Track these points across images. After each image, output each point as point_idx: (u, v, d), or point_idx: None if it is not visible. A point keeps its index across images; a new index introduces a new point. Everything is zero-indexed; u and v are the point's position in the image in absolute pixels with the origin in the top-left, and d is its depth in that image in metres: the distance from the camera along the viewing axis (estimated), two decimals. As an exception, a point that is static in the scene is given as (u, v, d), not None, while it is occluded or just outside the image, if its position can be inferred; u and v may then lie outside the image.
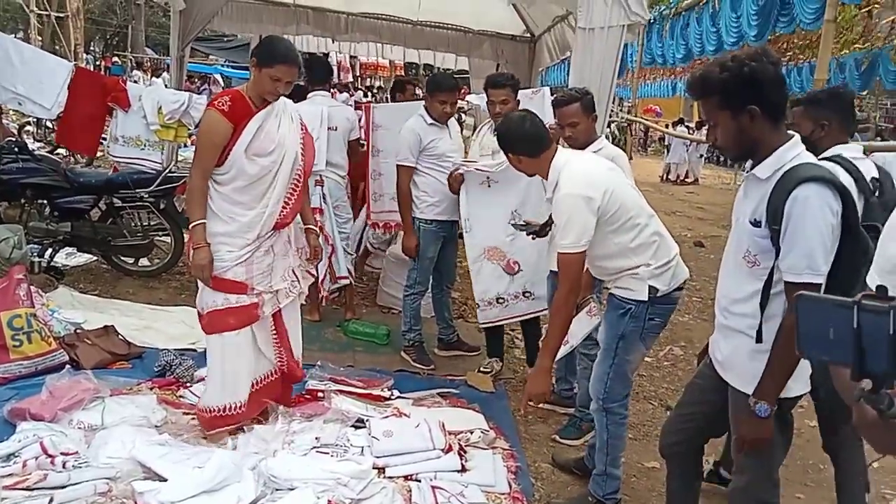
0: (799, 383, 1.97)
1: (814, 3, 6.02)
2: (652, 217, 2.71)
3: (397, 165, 4.01)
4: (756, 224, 1.90)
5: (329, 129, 4.43)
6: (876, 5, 9.94)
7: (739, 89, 1.85)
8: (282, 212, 2.91)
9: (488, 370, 4.00)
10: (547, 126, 3.65)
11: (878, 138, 11.09)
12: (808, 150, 1.97)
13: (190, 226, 2.84)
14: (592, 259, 2.69)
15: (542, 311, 3.84)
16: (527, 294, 3.87)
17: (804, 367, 1.93)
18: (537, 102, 4.59)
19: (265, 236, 2.88)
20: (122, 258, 5.28)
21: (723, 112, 1.91)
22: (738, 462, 2.17)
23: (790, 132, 1.96)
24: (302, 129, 3.02)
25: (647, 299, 2.58)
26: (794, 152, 1.90)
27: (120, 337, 3.83)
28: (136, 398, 3.21)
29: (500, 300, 3.85)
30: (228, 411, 2.92)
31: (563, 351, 2.89)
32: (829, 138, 2.68)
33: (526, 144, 2.68)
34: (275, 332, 3.05)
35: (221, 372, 2.92)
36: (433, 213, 3.98)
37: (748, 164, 2.01)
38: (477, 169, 3.82)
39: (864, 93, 21.48)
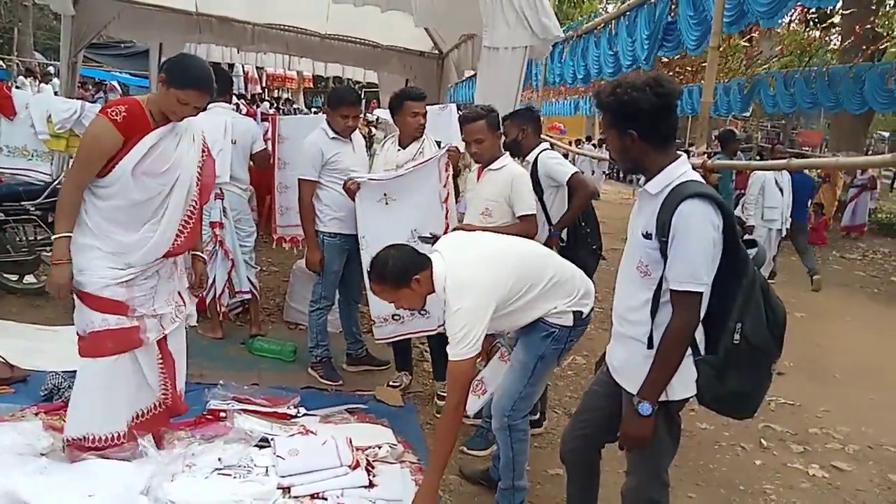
0: (684, 386, 2.08)
1: (696, 31, 6.47)
2: (547, 259, 2.72)
3: (299, 180, 3.96)
4: (647, 236, 2.04)
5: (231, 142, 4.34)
6: (754, 35, 10.75)
7: (620, 115, 2.04)
8: (175, 241, 2.71)
9: (397, 384, 4.00)
10: (450, 145, 3.77)
11: (758, 157, 11.95)
12: (514, 151, 2.27)
13: (53, 237, 2.62)
14: (507, 327, 2.72)
15: (438, 328, 3.82)
16: (423, 312, 3.76)
17: (691, 371, 2.06)
18: (444, 118, 4.69)
19: (149, 264, 2.68)
20: (6, 275, 4.94)
21: (610, 130, 2.10)
22: (629, 463, 2.28)
23: (678, 152, 2.12)
24: (203, 151, 2.82)
25: (572, 324, 2.65)
26: (681, 170, 2.05)
27: (2, 360, 3.57)
28: (18, 425, 2.99)
29: (396, 317, 3.80)
30: (105, 442, 2.68)
31: (482, 402, 2.92)
32: (529, 140, 3.71)
33: (402, 275, 2.55)
34: (161, 360, 2.84)
35: (99, 399, 2.66)
36: (337, 227, 3.95)
37: (643, 178, 2.14)
38: (370, 179, 3.77)
39: (748, 115, 23.15)
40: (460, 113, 3.91)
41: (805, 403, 4.61)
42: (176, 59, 2.71)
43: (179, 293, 2.88)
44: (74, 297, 2.65)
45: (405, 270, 2.54)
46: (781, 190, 7.58)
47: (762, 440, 3.97)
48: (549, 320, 2.65)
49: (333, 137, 3.91)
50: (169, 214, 2.67)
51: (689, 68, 14.53)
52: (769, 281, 2.14)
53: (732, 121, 19.08)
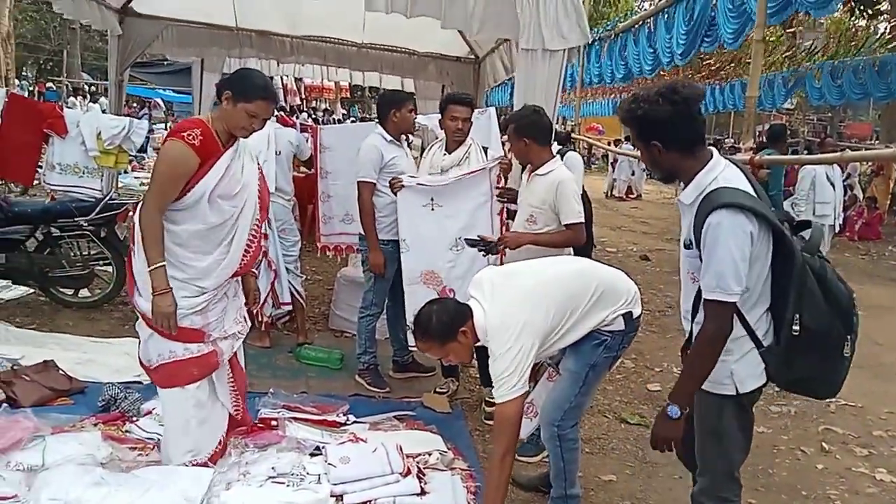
0: (754, 377, 2.07)
1: (734, 24, 6.33)
2: (587, 275, 2.65)
3: (358, 182, 3.92)
4: (688, 246, 2.07)
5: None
6: (800, 28, 10.47)
7: (640, 128, 2.08)
8: (242, 259, 2.73)
9: (444, 390, 3.99)
10: (501, 157, 3.72)
11: (806, 152, 11.64)
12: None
13: (149, 269, 2.55)
14: (557, 350, 2.65)
15: None
16: None
17: (757, 362, 2.05)
18: (483, 122, 4.66)
19: (223, 285, 2.70)
20: (61, 290, 5.09)
21: (638, 143, 2.13)
22: (701, 463, 2.23)
23: (710, 149, 2.09)
24: (259, 170, 2.83)
25: (623, 328, 2.60)
26: (711, 176, 2.02)
27: (60, 372, 3.67)
28: (79, 435, 3.06)
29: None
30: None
31: (533, 425, 2.86)
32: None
33: (448, 330, 2.49)
34: (231, 376, 2.91)
35: (195, 424, 2.74)
36: (390, 234, 3.94)
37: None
38: (419, 184, 3.76)
39: (793, 109, 22.57)
40: (505, 116, 3.86)
41: (867, 405, 4.44)
42: (237, 75, 2.67)
43: (241, 310, 2.92)
44: (145, 327, 2.68)
45: (450, 325, 2.48)
46: (833, 184, 7.36)
47: (823, 443, 3.83)
48: (600, 328, 2.60)
49: (390, 141, 3.93)
50: (239, 235, 2.68)
51: (731, 62, 14.22)
52: None
53: (777, 115, 18.62)
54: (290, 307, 4.69)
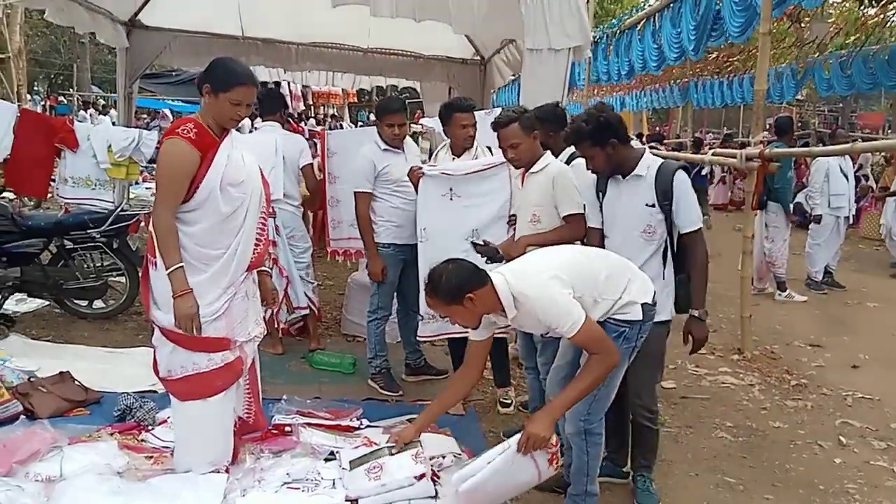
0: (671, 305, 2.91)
1: (740, 17, 6.30)
2: (595, 259, 2.67)
3: (355, 193, 4.01)
4: (652, 205, 2.81)
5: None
6: (806, 19, 10.38)
7: (601, 133, 2.80)
8: (254, 250, 2.73)
9: (457, 392, 3.98)
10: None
11: (820, 143, 11.53)
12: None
13: (167, 272, 2.53)
14: None
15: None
16: None
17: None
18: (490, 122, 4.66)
19: (240, 281, 2.70)
20: (76, 301, 5.13)
21: (593, 149, 2.84)
22: (640, 385, 2.95)
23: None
24: (259, 169, 2.86)
25: (641, 318, 2.59)
26: (650, 155, 2.92)
27: (76, 383, 3.70)
28: (96, 445, 3.09)
29: (445, 316, 3.80)
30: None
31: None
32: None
33: (455, 291, 2.51)
34: (247, 382, 2.91)
35: (213, 433, 2.73)
36: (391, 237, 3.98)
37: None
38: (443, 172, 3.74)
39: (803, 100, 22.37)
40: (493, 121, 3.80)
41: (885, 397, 4.40)
42: (211, 66, 2.64)
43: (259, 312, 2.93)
44: (166, 341, 2.65)
45: (459, 287, 2.48)
46: (846, 176, 7.28)
47: (841, 437, 3.80)
48: (618, 318, 2.59)
49: (385, 149, 3.95)
50: (248, 224, 2.69)
51: (739, 56, 14.12)
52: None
53: (787, 107, 18.48)
54: (306, 311, 4.68)
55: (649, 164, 2.85)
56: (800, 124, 20.09)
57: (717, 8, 6.75)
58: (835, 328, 6.02)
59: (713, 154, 6.37)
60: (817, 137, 8.59)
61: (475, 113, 3.93)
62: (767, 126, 10.69)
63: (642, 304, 2.59)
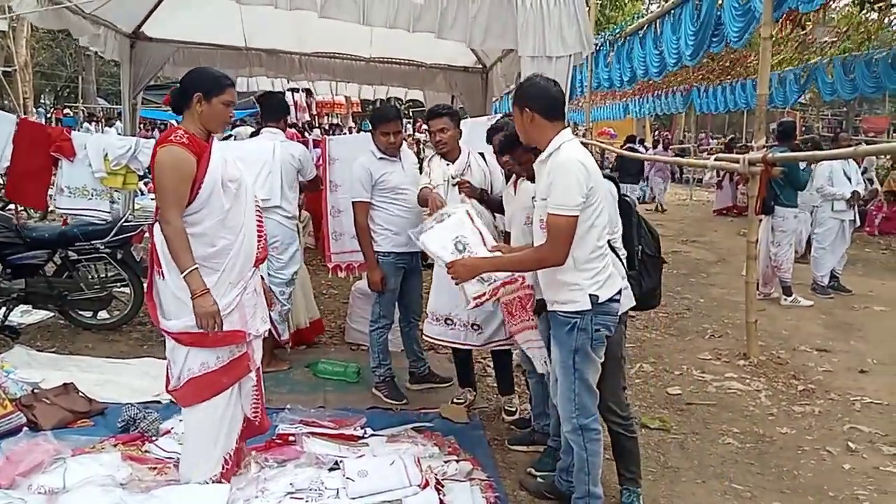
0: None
1: (739, 22, 6.31)
2: (604, 230, 2.70)
3: (353, 202, 3.99)
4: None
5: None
6: (808, 23, 10.37)
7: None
8: (258, 243, 2.81)
9: (462, 401, 3.96)
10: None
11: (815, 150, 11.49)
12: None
13: (183, 275, 2.56)
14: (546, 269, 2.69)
15: (483, 346, 3.80)
16: (475, 327, 3.73)
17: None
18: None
19: (249, 275, 2.75)
20: (80, 312, 5.14)
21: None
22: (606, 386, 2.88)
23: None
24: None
25: (590, 308, 2.60)
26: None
27: (80, 394, 3.70)
28: (99, 456, 3.09)
29: (449, 321, 3.77)
30: (224, 468, 2.79)
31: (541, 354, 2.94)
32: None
33: (543, 103, 2.64)
34: (255, 381, 2.91)
35: (213, 442, 2.73)
36: (390, 245, 3.95)
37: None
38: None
39: (807, 103, 22.34)
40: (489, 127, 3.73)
41: (893, 402, 4.36)
42: (195, 76, 2.73)
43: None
44: (181, 347, 2.66)
45: (535, 98, 2.64)
46: (849, 179, 7.25)
47: (849, 443, 3.76)
48: (565, 310, 2.62)
49: (381, 158, 3.94)
50: (248, 217, 2.76)
51: (739, 63, 14.14)
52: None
53: (790, 112, 18.45)
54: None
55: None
56: (804, 128, 20.04)
57: (718, 14, 6.77)
58: (842, 332, 5.98)
59: (716, 159, 6.36)
60: (813, 144, 8.46)
61: (477, 118, 3.92)
62: (771, 130, 10.66)
63: (591, 296, 2.58)
